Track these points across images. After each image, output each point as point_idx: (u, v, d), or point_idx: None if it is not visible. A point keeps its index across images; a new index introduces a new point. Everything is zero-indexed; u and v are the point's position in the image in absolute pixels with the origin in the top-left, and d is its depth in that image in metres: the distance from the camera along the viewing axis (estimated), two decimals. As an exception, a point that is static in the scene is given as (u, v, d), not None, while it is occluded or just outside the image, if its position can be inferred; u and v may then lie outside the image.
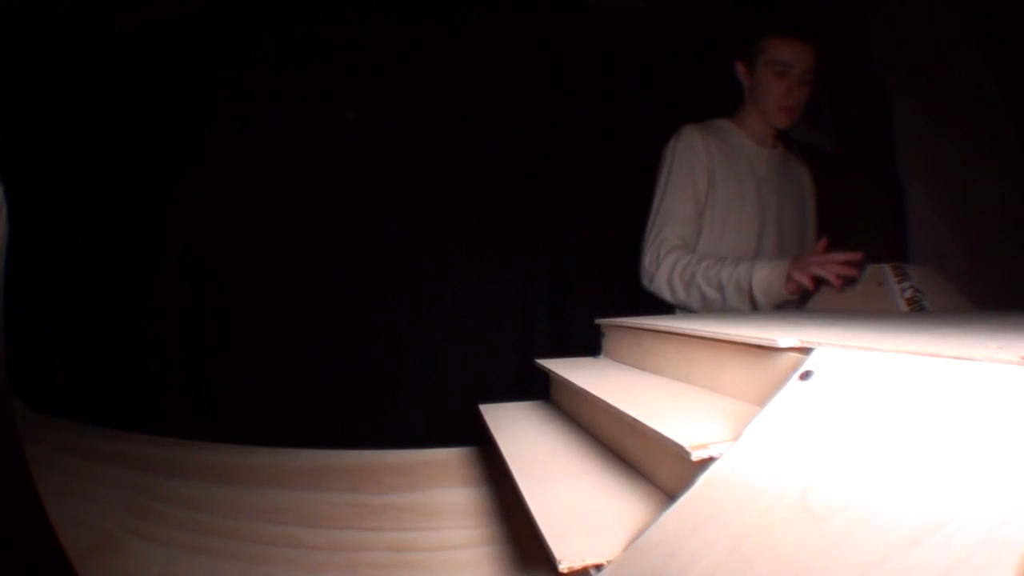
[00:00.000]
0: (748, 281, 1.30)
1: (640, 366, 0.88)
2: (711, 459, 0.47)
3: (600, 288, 1.99)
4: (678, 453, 0.47)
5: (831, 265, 1.19)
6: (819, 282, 1.26)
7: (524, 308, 1.99)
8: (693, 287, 1.40)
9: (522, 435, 0.83)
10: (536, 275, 2.01)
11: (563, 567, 0.46)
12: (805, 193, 1.74)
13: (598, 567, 0.47)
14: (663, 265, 1.47)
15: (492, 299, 1.97)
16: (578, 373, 0.85)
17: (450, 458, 0.99)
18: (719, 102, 1.62)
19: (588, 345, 1.09)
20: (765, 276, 1.29)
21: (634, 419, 0.56)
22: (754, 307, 1.34)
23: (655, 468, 0.62)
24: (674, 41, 2.07)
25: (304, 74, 1.85)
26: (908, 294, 1.08)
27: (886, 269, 1.15)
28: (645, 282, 1.53)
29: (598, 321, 1.07)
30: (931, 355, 0.42)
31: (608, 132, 2.05)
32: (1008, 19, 1.61)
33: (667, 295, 1.49)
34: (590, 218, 2.06)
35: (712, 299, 1.38)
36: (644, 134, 2.04)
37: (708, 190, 1.53)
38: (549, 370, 0.95)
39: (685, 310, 1.48)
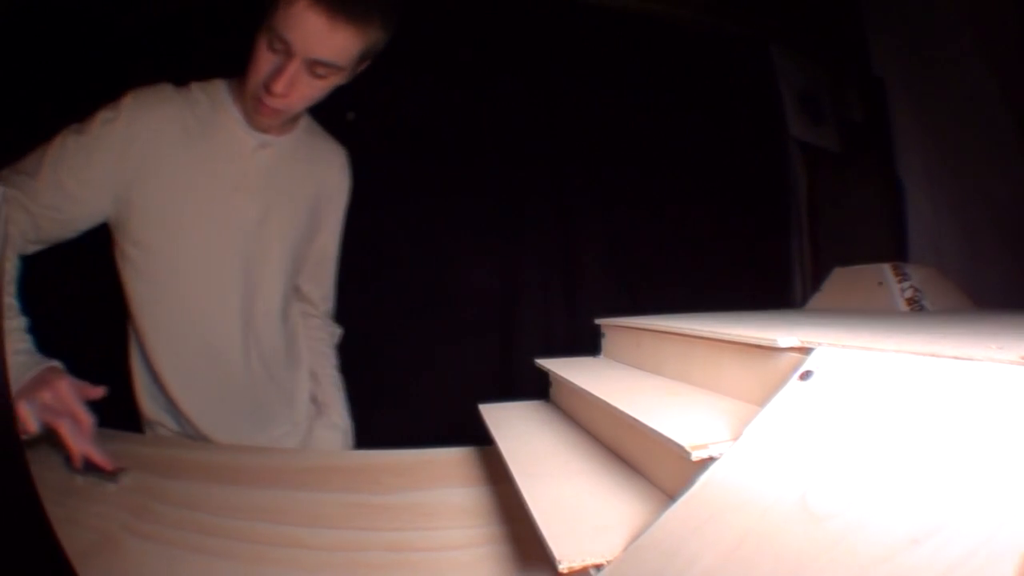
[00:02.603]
0: None
1: (640, 366, 0.88)
2: (711, 459, 0.47)
3: (600, 288, 1.99)
4: (678, 453, 0.47)
5: (64, 418, 0.80)
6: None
7: (524, 308, 1.99)
8: None
9: (522, 435, 0.83)
10: (537, 275, 2.01)
11: (563, 567, 0.46)
12: (323, 201, 1.26)
13: (598, 567, 0.47)
14: None
15: (493, 299, 1.97)
16: (578, 373, 0.85)
17: (450, 458, 0.99)
18: (723, 100, 1.62)
19: (588, 345, 1.09)
20: (14, 367, 0.79)
21: (634, 419, 0.56)
22: None
23: (655, 468, 0.62)
24: (681, 38, 2.07)
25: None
26: (908, 294, 1.09)
27: (886, 269, 1.15)
28: None
29: (598, 321, 1.07)
30: (931, 355, 0.42)
31: (608, 131, 2.05)
32: (1008, 19, 1.61)
33: None
34: (591, 218, 2.06)
35: None
36: (644, 134, 2.04)
37: (127, 195, 1.03)
38: (549, 370, 0.95)
39: None
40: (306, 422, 1.29)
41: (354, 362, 1.87)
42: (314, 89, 1.00)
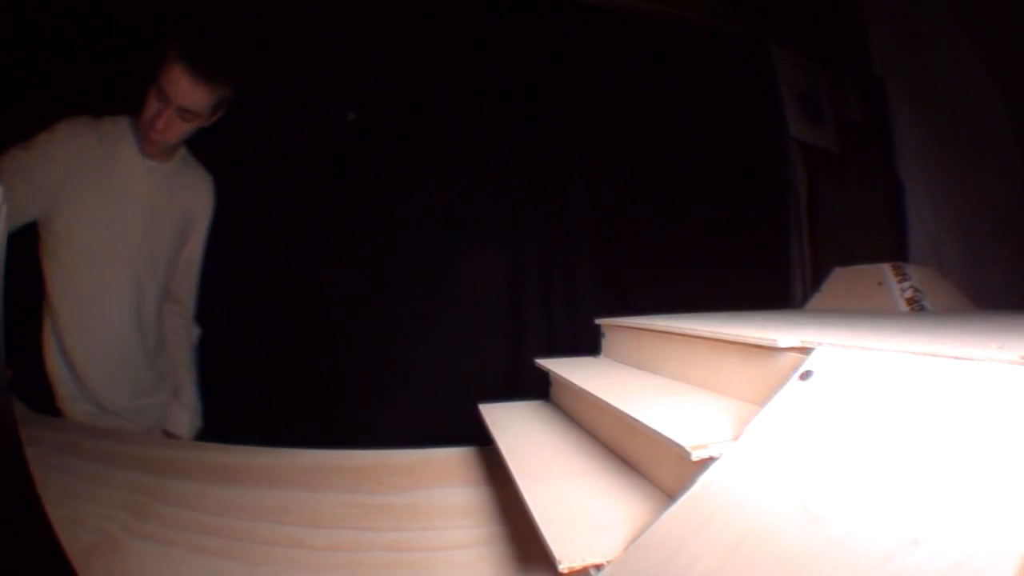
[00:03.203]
0: None
1: (640, 366, 0.88)
2: (711, 459, 0.47)
3: (600, 288, 1.99)
4: (678, 453, 0.47)
5: None
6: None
7: (524, 308, 1.99)
8: None
9: (522, 435, 0.83)
10: (537, 275, 2.01)
11: (563, 567, 0.46)
12: (192, 218, 1.55)
13: (598, 567, 0.47)
14: None
15: (493, 299, 1.97)
16: (578, 373, 0.85)
17: (450, 458, 0.99)
18: (723, 100, 1.61)
19: (588, 345, 1.09)
20: None
21: (634, 419, 0.56)
22: None
23: (655, 468, 0.62)
24: (681, 38, 2.07)
25: (303, 73, 1.85)
26: (908, 294, 1.09)
27: (886, 269, 1.15)
28: None
29: (598, 321, 1.07)
30: (931, 355, 0.42)
31: (608, 131, 2.05)
32: (1007, 19, 1.61)
33: None
34: (591, 219, 2.06)
35: None
36: (645, 135, 2.04)
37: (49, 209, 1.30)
38: (549, 370, 0.95)
39: None
40: (167, 398, 1.57)
41: (354, 362, 1.88)
42: (183, 128, 1.35)
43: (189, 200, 1.54)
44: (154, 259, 1.47)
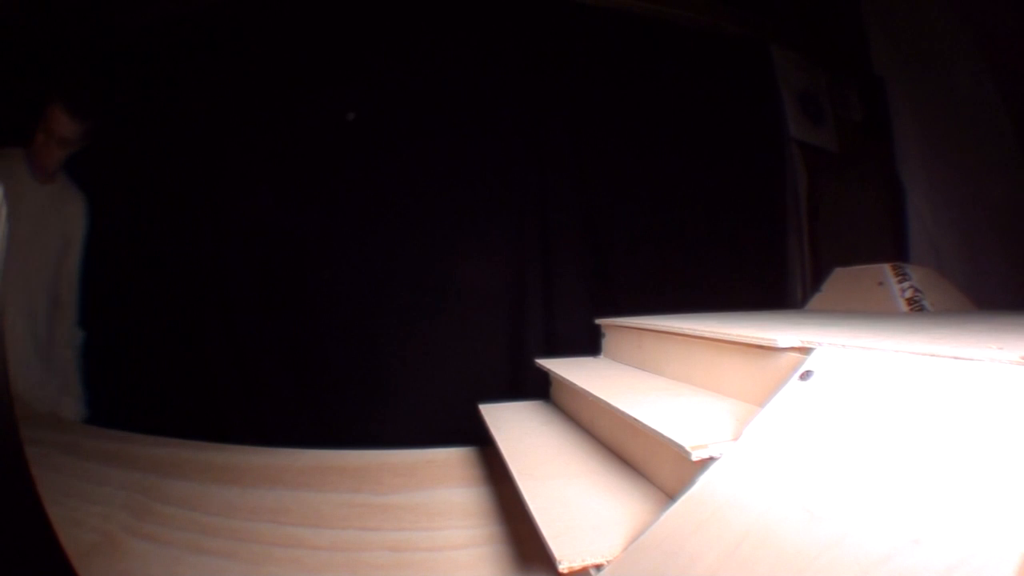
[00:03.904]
0: None
1: (641, 366, 0.88)
2: (711, 459, 0.47)
3: (600, 288, 1.98)
4: (678, 453, 0.48)
5: None
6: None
7: (525, 308, 1.99)
8: None
9: (522, 435, 0.83)
10: (538, 276, 2.01)
11: (563, 567, 0.46)
12: (70, 235, 1.82)
13: (598, 567, 0.47)
14: None
15: (493, 300, 1.97)
16: (579, 373, 0.85)
17: (450, 458, 0.99)
18: (717, 99, 1.61)
19: (588, 345, 1.09)
20: None
21: (635, 419, 0.56)
22: None
23: (655, 468, 0.62)
24: (681, 38, 2.07)
25: (303, 73, 1.85)
26: (908, 294, 1.08)
27: (886, 269, 1.15)
28: None
29: (599, 321, 1.07)
30: (931, 355, 0.42)
31: (608, 132, 2.05)
32: (1007, 19, 1.61)
33: None
34: (592, 219, 2.05)
35: None
36: (644, 134, 2.04)
37: None
38: (549, 370, 0.95)
39: None
40: (56, 386, 1.82)
41: (355, 363, 1.88)
42: (61, 155, 1.70)
43: (69, 217, 1.81)
44: (49, 269, 1.75)
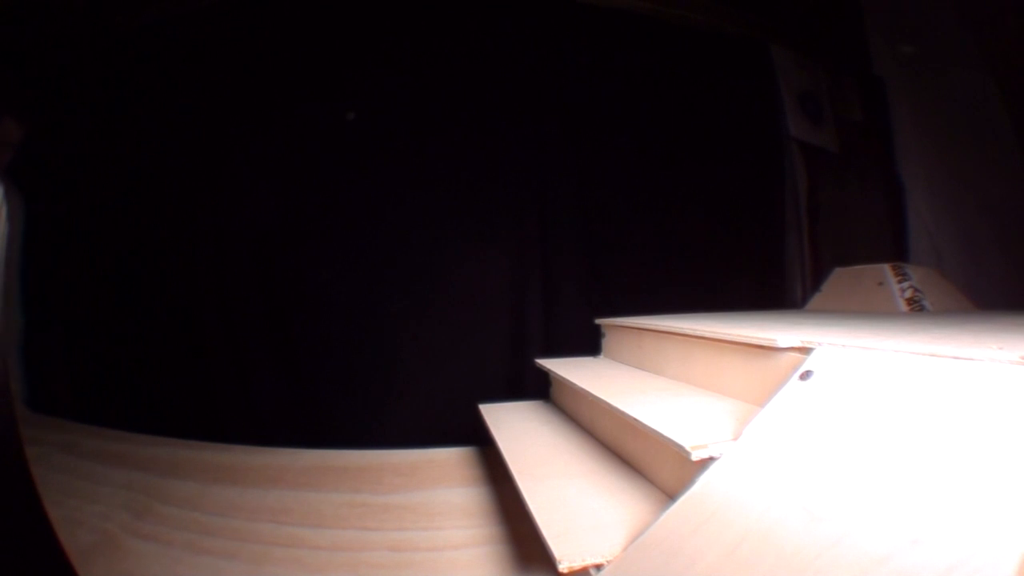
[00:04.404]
0: None
1: (641, 366, 0.88)
2: (711, 459, 0.47)
3: (600, 288, 1.98)
4: (678, 453, 0.48)
5: None
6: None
7: (524, 308, 1.99)
8: None
9: (522, 435, 0.83)
10: (537, 276, 2.01)
11: (563, 567, 0.46)
12: None
13: (598, 567, 0.47)
14: None
15: (493, 300, 1.97)
16: (579, 373, 0.85)
17: (450, 458, 0.99)
18: (717, 99, 1.61)
19: (588, 345, 1.09)
20: None
21: (635, 419, 0.56)
22: None
23: (655, 468, 0.62)
24: (681, 38, 2.06)
25: (303, 73, 1.85)
26: (908, 294, 1.08)
27: (886, 269, 1.15)
28: None
29: (598, 321, 1.07)
30: (931, 355, 0.42)
31: (608, 131, 2.05)
32: (1007, 19, 1.61)
33: None
34: (592, 219, 2.05)
35: None
36: (644, 134, 2.04)
37: None
38: (549, 370, 0.95)
39: None
40: None
41: (355, 363, 1.87)
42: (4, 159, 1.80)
43: None
44: None
